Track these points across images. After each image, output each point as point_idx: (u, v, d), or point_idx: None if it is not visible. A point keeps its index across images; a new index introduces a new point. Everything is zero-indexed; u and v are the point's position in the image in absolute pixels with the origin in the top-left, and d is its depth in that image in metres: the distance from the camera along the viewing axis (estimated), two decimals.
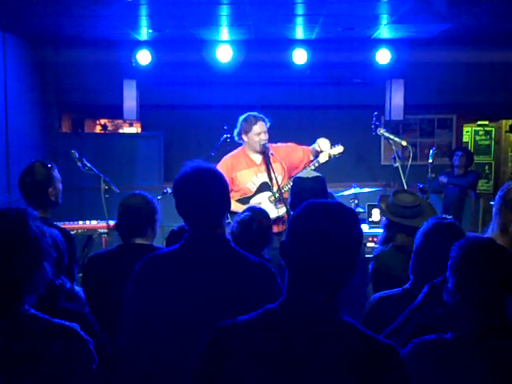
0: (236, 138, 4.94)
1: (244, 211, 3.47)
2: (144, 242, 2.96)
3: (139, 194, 3.05)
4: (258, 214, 3.41)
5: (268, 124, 4.83)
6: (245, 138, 4.83)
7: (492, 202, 3.15)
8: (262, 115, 4.84)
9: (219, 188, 2.13)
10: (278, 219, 4.69)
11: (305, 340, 1.46)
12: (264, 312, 1.56)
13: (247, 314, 1.90)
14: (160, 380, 2.01)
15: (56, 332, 1.73)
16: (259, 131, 4.75)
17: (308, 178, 3.14)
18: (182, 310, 1.99)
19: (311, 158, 4.89)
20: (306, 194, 3.05)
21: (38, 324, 1.72)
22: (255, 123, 4.75)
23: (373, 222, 5.83)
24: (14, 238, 1.70)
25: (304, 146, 4.98)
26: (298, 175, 3.36)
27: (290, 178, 4.71)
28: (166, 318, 1.99)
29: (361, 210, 5.97)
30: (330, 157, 4.76)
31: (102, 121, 7.86)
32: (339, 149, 4.79)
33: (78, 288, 2.86)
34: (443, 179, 7.20)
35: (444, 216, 2.62)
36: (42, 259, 1.73)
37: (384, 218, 3.23)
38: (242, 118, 4.86)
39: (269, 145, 4.78)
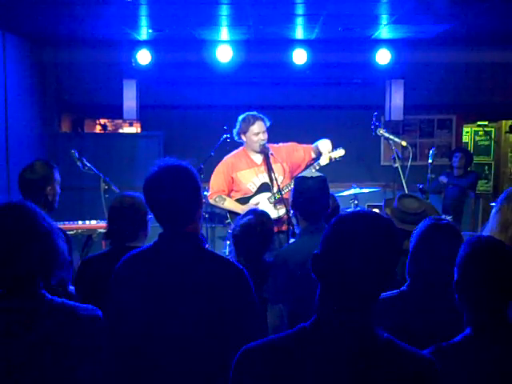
0: (236, 138, 4.94)
1: (246, 214, 3.46)
2: (135, 244, 2.89)
3: (128, 197, 2.95)
4: (261, 217, 3.41)
5: (268, 123, 4.81)
6: (243, 138, 4.83)
7: (493, 204, 3.13)
8: (260, 115, 4.81)
9: (187, 184, 2.08)
10: (278, 219, 4.68)
11: (343, 362, 1.38)
12: (296, 332, 1.45)
13: (216, 312, 1.92)
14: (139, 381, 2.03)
15: (77, 313, 1.82)
16: (257, 131, 4.73)
17: (311, 177, 3.15)
18: (153, 309, 2.00)
19: (313, 155, 4.87)
20: (310, 194, 3.05)
21: (59, 307, 1.80)
22: (253, 123, 4.74)
23: None
24: (24, 224, 1.76)
25: (304, 145, 4.97)
26: (300, 175, 3.37)
27: (292, 178, 4.67)
28: (138, 317, 2.01)
29: None
30: (330, 160, 4.75)
31: (102, 121, 7.87)
32: (340, 152, 4.77)
33: (71, 288, 2.87)
34: (443, 179, 7.20)
35: (442, 216, 2.62)
36: (55, 238, 1.81)
37: None
38: (240, 117, 4.85)
39: (269, 145, 4.77)
